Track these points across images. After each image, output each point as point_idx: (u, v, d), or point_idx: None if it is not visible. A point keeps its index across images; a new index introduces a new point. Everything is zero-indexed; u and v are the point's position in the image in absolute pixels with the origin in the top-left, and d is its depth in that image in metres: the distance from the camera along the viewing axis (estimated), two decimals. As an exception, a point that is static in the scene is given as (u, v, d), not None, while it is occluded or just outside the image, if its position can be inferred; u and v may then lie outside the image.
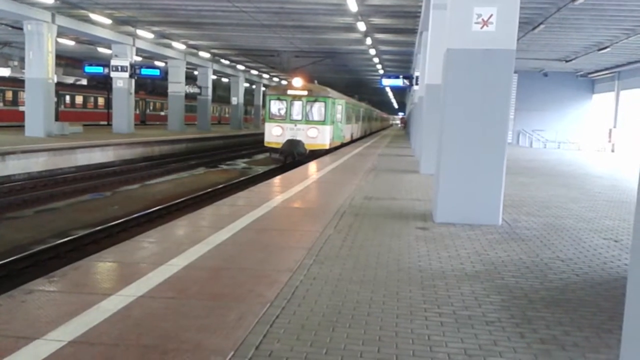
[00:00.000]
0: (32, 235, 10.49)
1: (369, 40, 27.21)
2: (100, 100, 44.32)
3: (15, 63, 42.82)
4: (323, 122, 23.26)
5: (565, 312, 4.34)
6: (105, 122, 42.22)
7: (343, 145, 28.12)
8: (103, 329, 3.63)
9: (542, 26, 20.16)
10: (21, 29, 24.11)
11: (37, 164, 18.05)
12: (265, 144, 23.68)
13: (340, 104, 26.91)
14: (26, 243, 9.85)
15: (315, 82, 26.37)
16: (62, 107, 37.87)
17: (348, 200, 9.57)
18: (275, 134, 23.12)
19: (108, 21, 24.82)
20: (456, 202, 7.80)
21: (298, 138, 22.84)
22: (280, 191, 10.44)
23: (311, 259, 5.58)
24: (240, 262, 5.48)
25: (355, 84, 53.82)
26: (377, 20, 22.91)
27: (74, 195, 15.36)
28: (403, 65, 37.72)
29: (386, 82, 29.00)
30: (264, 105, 32.24)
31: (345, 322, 3.94)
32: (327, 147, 23.37)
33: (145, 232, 6.82)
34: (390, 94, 68.71)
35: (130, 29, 27.55)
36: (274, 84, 53.74)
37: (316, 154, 22.06)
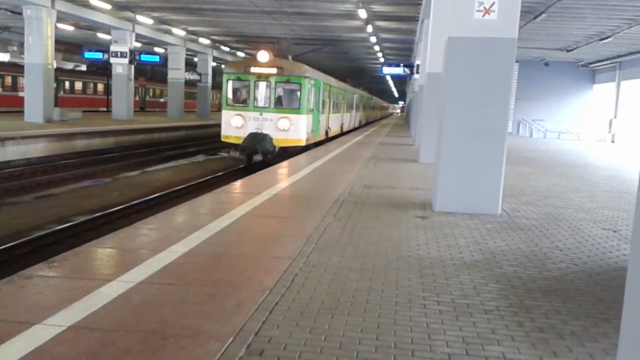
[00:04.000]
0: (31, 221, 10.49)
1: (369, 28, 27.10)
2: (100, 86, 44.22)
3: (15, 48, 42.68)
4: (298, 111, 17.94)
5: (563, 301, 4.35)
6: (105, 109, 42.12)
7: (329, 139, 23.37)
8: (103, 314, 3.64)
9: (543, 15, 20.07)
10: (20, 13, 24.01)
11: (36, 149, 18.02)
12: (222, 139, 18.33)
13: (323, 87, 21.73)
14: (26, 229, 9.86)
15: (290, 57, 20.86)
16: (61, 93, 37.78)
17: (348, 189, 9.57)
18: (234, 125, 17.80)
19: (107, 6, 24.71)
20: (456, 191, 7.80)
21: (264, 131, 17.65)
22: (280, 179, 10.44)
23: (310, 247, 5.59)
24: (239, 249, 5.49)
25: (355, 72, 53.65)
26: (378, 8, 22.79)
27: (73, 181, 15.35)
28: (404, 53, 37.60)
29: (387, 70, 28.99)
30: (220, 88, 24.75)
31: (344, 310, 3.95)
32: (304, 143, 18.30)
33: (145, 219, 6.82)
34: (391, 83, 68.52)
35: (129, 14, 27.43)
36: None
37: (289, 153, 17.45)
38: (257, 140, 17.44)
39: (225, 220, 6.68)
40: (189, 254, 5.15)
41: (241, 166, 18.42)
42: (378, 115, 67.61)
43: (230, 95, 18.21)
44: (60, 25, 29.08)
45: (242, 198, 8.28)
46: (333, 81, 25.10)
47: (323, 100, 21.81)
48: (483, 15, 7.45)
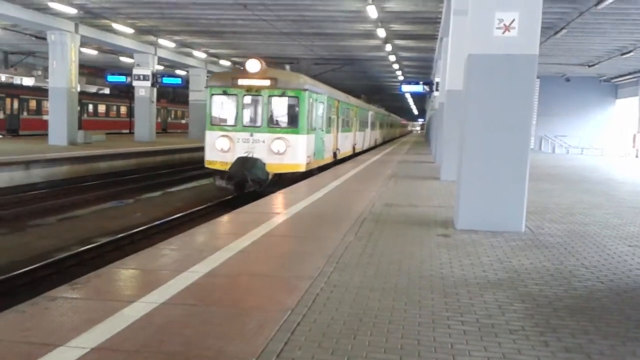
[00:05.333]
0: (55, 243, 10.61)
1: (388, 47, 27.17)
2: (123, 109, 44.89)
3: (39, 72, 43.60)
4: (295, 130, 15.08)
5: (590, 320, 4.27)
6: (127, 131, 42.67)
7: (337, 162, 20.36)
8: (126, 336, 3.65)
9: (564, 31, 19.97)
10: (45, 39, 24.55)
11: (60, 172, 18.28)
12: (206, 165, 15.53)
13: (329, 102, 18.84)
14: (50, 250, 9.97)
15: (287, 67, 17.19)
16: (85, 116, 38.39)
17: (368, 207, 9.54)
18: (219, 149, 14.95)
19: (130, 31, 25.15)
20: (478, 209, 7.73)
21: (255, 155, 14.79)
22: (300, 198, 10.44)
23: (332, 266, 5.56)
24: (260, 269, 5.48)
25: (374, 91, 53.76)
26: (397, 27, 22.87)
27: (96, 203, 15.51)
28: (423, 71, 37.61)
29: (406, 88, 28.97)
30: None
31: (366, 330, 3.91)
32: (303, 168, 15.38)
33: (167, 239, 6.86)
34: (410, 100, 68.50)
35: (152, 38, 27.89)
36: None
37: (286, 180, 14.80)
38: (246, 166, 14.53)
39: (246, 240, 6.68)
40: (210, 275, 5.15)
41: (229, 197, 15.62)
42: (397, 133, 66.68)
43: (214, 112, 15.47)
44: (84, 50, 29.65)
45: (262, 217, 8.29)
46: (342, 96, 22.38)
47: (329, 118, 19.08)
48: (503, 32, 7.43)
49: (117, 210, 14.73)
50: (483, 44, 7.55)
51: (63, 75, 23.90)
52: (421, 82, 28.19)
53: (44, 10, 21.66)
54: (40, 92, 34.06)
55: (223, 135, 15.00)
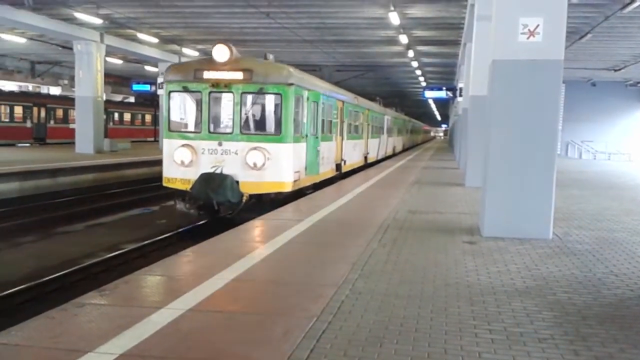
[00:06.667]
0: (83, 250, 10.74)
1: (411, 53, 27.13)
2: (147, 117, 45.40)
3: (66, 82, 44.35)
4: (278, 137, 11.69)
5: (620, 328, 4.19)
6: (152, 139, 43.13)
7: (344, 176, 17.21)
8: (153, 342, 3.68)
9: (589, 35, 19.76)
10: (71, 48, 25.00)
11: (87, 179, 18.55)
12: (164, 183, 12.29)
13: (328, 101, 15.34)
14: (78, 257, 10.09)
15: (271, 57, 13.30)
16: (110, 124, 38.92)
17: (392, 214, 9.50)
18: (179, 161, 11.68)
19: (155, 40, 25.49)
20: (504, 216, 7.65)
21: (225, 171, 11.48)
22: (324, 205, 10.44)
23: (356, 274, 5.55)
24: (285, 276, 5.49)
25: (397, 97, 53.65)
26: (419, 33, 22.83)
27: (122, 210, 15.68)
28: (446, 77, 37.47)
29: (429, 94, 28.83)
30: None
31: (392, 338, 3.89)
32: (289, 187, 11.88)
33: (192, 246, 6.91)
34: (433, 106, 68.22)
35: (176, 47, 28.23)
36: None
37: (266, 203, 11.58)
38: (212, 186, 11.23)
39: (270, 247, 6.70)
40: (235, 281, 5.17)
41: (201, 222, 12.47)
42: (419, 139, 64.99)
43: (173, 115, 12.19)
44: (109, 59, 30.10)
45: (286, 224, 8.30)
46: (348, 96, 18.87)
47: (330, 122, 15.71)
48: (528, 38, 7.36)
49: (143, 217, 14.88)
50: (507, 49, 7.50)
51: (89, 85, 24.30)
52: (444, 88, 27.99)
53: (70, 20, 22.05)
54: (67, 101, 34.65)
55: (184, 145, 11.70)
